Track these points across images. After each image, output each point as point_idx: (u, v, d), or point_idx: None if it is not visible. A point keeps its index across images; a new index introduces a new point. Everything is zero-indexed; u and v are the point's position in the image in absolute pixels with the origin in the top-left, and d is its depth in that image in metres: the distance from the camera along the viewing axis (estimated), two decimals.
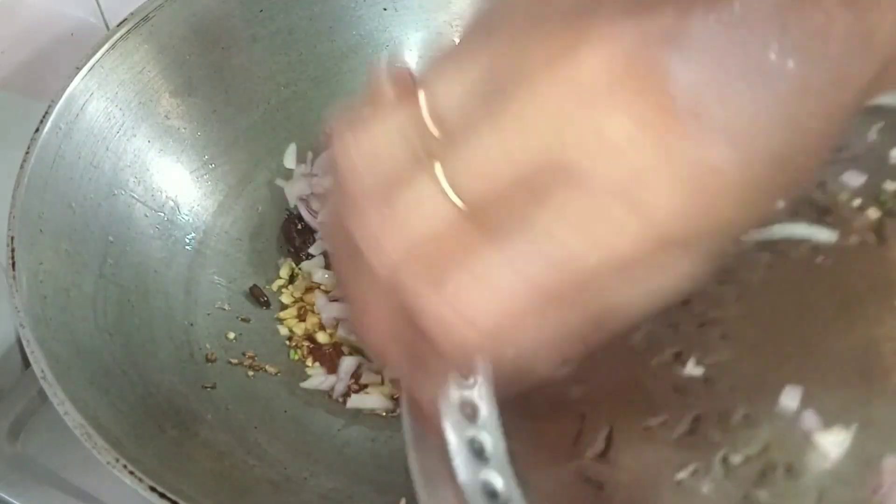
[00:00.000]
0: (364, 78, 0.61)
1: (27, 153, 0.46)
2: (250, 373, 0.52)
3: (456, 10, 0.60)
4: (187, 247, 0.54)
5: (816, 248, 0.33)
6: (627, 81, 0.20)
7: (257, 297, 0.55)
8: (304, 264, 0.56)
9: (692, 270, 0.22)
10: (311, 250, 0.57)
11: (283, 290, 0.56)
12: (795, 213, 0.33)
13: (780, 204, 0.33)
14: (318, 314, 0.54)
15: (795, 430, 0.29)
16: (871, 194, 0.33)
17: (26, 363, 0.55)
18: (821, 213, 0.33)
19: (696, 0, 0.20)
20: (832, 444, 0.28)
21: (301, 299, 0.55)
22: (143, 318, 0.50)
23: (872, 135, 0.34)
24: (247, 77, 0.57)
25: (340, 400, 0.51)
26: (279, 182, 0.59)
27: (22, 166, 0.46)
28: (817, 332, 0.31)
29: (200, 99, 0.56)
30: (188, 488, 0.39)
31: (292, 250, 0.57)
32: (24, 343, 0.41)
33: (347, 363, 0.52)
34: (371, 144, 0.22)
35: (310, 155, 0.60)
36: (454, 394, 0.29)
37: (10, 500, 0.49)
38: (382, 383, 0.52)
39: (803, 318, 0.31)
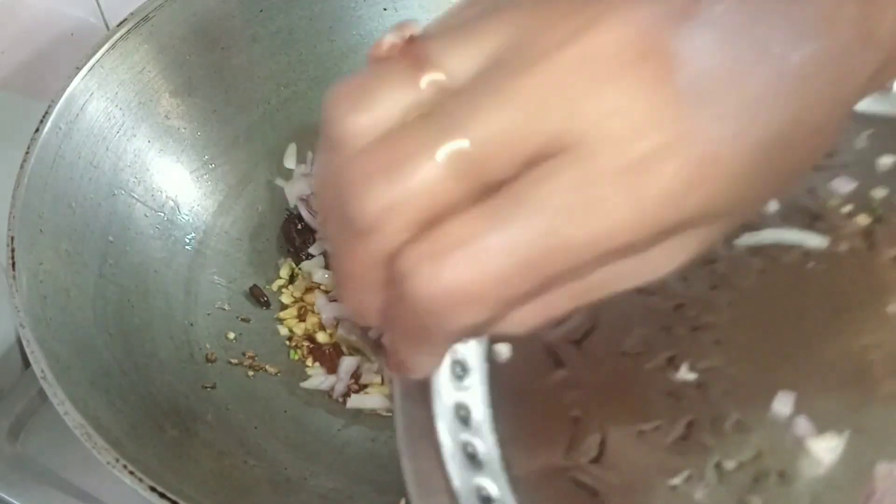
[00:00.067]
0: None
1: (27, 153, 0.46)
2: (250, 373, 0.52)
3: None
4: (187, 247, 0.54)
5: (808, 254, 0.33)
6: (638, 61, 0.19)
7: (257, 297, 0.55)
8: (304, 264, 0.56)
9: (683, 257, 0.22)
10: (311, 250, 0.57)
11: (283, 290, 0.56)
12: (786, 218, 0.33)
13: (773, 204, 0.33)
14: (318, 314, 0.54)
15: (788, 436, 0.29)
16: (862, 201, 0.33)
17: (26, 363, 0.55)
18: (811, 218, 0.33)
19: None
20: (825, 450, 0.28)
21: (301, 299, 0.55)
22: (143, 318, 0.50)
23: (862, 141, 0.34)
24: (247, 77, 0.57)
25: (340, 400, 0.52)
26: (279, 182, 0.59)
27: (22, 166, 0.46)
28: (809, 338, 0.31)
29: (200, 99, 0.56)
30: (188, 488, 0.39)
31: (292, 250, 0.57)
32: (24, 343, 0.41)
33: (347, 363, 0.52)
34: (371, 106, 0.22)
35: (310, 155, 0.60)
36: (448, 396, 0.29)
37: (10, 500, 0.49)
38: (382, 383, 0.52)
39: (795, 324, 0.31)
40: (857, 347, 0.30)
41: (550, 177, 0.20)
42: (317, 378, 0.52)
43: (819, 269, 0.32)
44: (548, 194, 0.19)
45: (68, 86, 0.49)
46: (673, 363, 0.30)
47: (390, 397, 0.51)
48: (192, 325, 0.52)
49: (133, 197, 0.52)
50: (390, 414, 0.51)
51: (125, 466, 0.38)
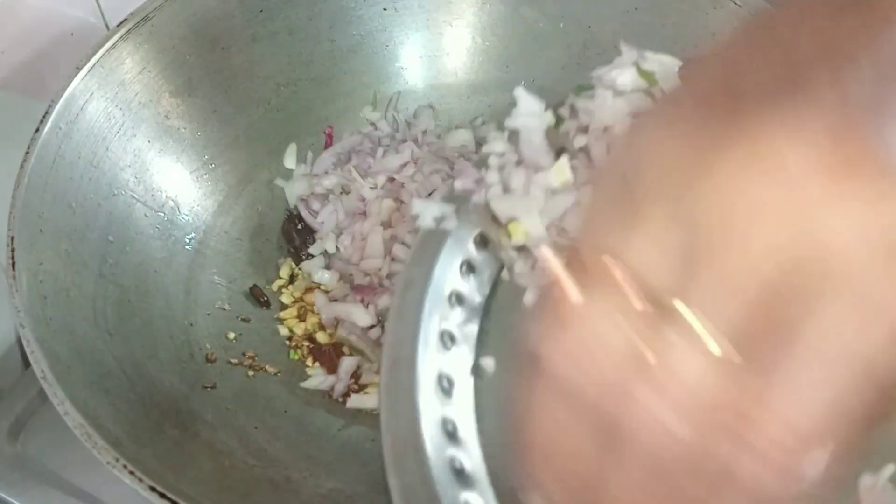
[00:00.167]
0: (364, 78, 0.61)
1: (27, 153, 0.46)
2: (250, 373, 0.52)
3: (456, 10, 0.60)
4: (187, 247, 0.54)
5: None
6: (843, 163, 0.19)
7: (257, 297, 0.55)
8: (304, 264, 0.56)
9: None
10: (311, 250, 0.57)
11: (283, 290, 0.56)
12: None
13: None
14: (318, 314, 0.54)
15: None
16: None
17: (26, 363, 0.55)
18: None
19: (852, 55, 0.19)
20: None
21: (301, 299, 0.55)
22: (143, 318, 0.50)
23: None
24: (247, 77, 0.57)
25: (340, 400, 0.52)
26: (279, 182, 0.59)
27: (22, 166, 0.46)
28: None
29: (200, 99, 0.56)
30: (188, 488, 0.39)
31: (292, 250, 0.57)
32: (24, 343, 0.41)
33: (347, 363, 0.52)
34: (590, 332, 0.21)
35: (310, 155, 0.60)
36: (434, 411, 0.29)
37: (10, 500, 0.49)
38: None
39: None
40: None
41: (824, 316, 0.19)
42: (317, 378, 0.52)
43: None
44: (833, 335, 0.19)
45: (68, 86, 0.49)
46: None
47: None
48: (192, 325, 0.52)
49: (133, 197, 0.52)
50: None
51: (125, 466, 0.38)
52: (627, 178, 0.22)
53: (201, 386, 0.50)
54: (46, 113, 0.48)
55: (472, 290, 0.32)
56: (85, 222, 0.49)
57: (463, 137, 0.60)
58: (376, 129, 0.61)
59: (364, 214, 0.57)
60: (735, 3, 0.52)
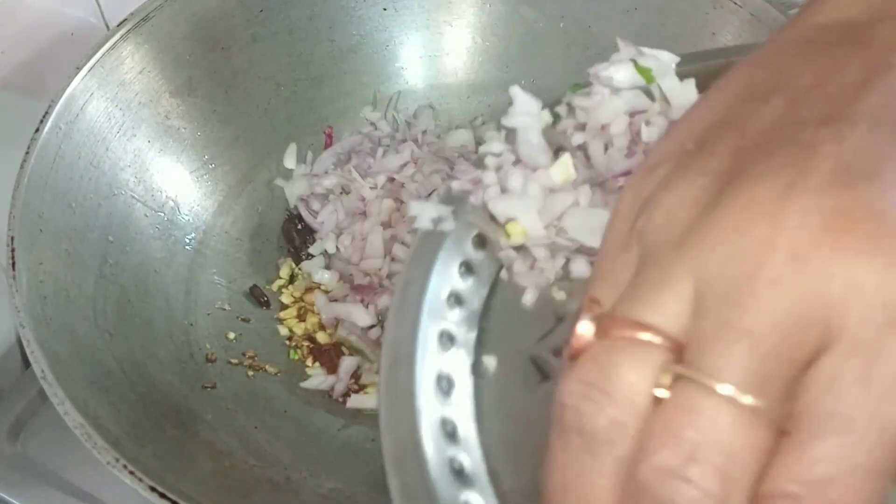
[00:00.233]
0: (364, 78, 0.61)
1: (27, 153, 0.46)
2: (250, 373, 0.52)
3: (456, 10, 0.60)
4: (187, 247, 0.54)
5: None
6: (843, 222, 0.19)
7: (257, 297, 0.55)
8: (304, 264, 0.56)
9: None
10: (311, 250, 0.57)
11: (283, 290, 0.56)
12: None
13: None
14: (318, 314, 0.54)
15: None
16: None
17: (26, 363, 0.55)
18: None
19: (851, 112, 0.20)
20: None
21: (301, 299, 0.55)
22: (143, 318, 0.50)
23: None
24: (247, 77, 0.57)
25: (340, 400, 0.52)
26: (279, 182, 0.59)
27: (22, 166, 0.46)
28: None
29: (200, 99, 0.56)
30: (188, 488, 0.39)
31: (292, 250, 0.57)
32: (24, 343, 0.41)
33: (347, 363, 0.52)
34: (616, 399, 0.20)
35: (310, 155, 0.60)
36: (433, 411, 0.28)
37: (10, 500, 0.49)
38: None
39: None
40: None
41: (832, 384, 0.19)
42: (317, 378, 0.52)
43: None
44: (845, 400, 0.19)
45: (68, 86, 0.49)
46: None
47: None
48: (192, 325, 0.52)
49: (133, 197, 0.52)
50: None
51: (125, 466, 0.38)
52: (634, 229, 0.23)
53: (201, 386, 0.50)
54: (46, 113, 0.48)
55: (471, 290, 0.32)
56: (85, 222, 0.49)
57: (463, 137, 0.60)
58: (376, 129, 0.61)
59: (364, 214, 0.57)
60: (735, 3, 0.52)
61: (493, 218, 0.33)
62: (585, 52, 0.58)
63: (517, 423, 0.30)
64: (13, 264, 0.43)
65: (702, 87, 0.32)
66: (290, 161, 0.59)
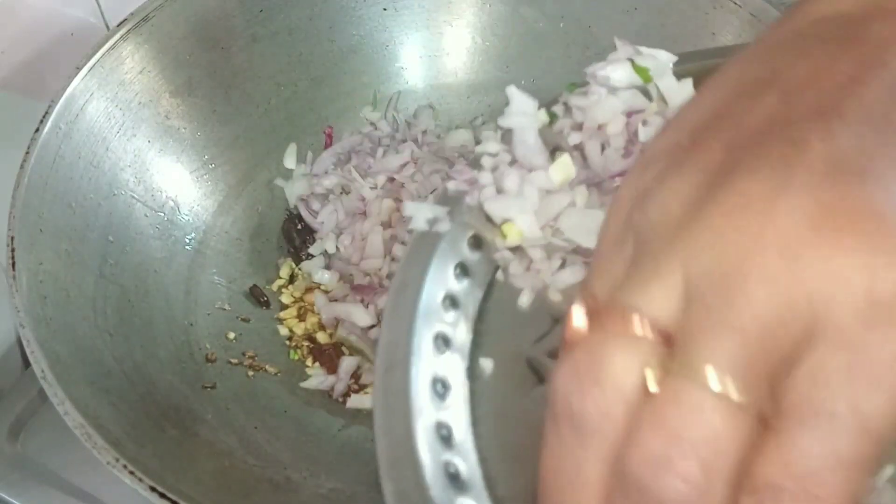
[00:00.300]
0: (364, 78, 0.61)
1: (27, 153, 0.46)
2: (250, 373, 0.52)
3: (456, 10, 0.60)
4: (187, 247, 0.54)
5: None
6: (830, 218, 0.20)
7: (257, 297, 0.55)
8: (304, 264, 0.56)
9: None
10: (311, 250, 0.57)
11: (283, 290, 0.56)
12: None
13: None
14: (318, 314, 0.54)
15: None
16: None
17: (26, 363, 0.55)
18: None
19: (844, 108, 0.21)
20: None
21: (301, 299, 0.55)
22: (143, 318, 0.50)
23: None
24: (247, 77, 0.57)
25: (340, 400, 0.52)
26: (279, 182, 0.59)
27: (22, 166, 0.46)
28: None
29: (200, 99, 0.56)
30: (188, 488, 0.39)
31: (292, 250, 0.57)
32: (24, 343, 0.41)
33: (347, 363, 0.52)
34: (606, 383, 0.21)
35: (310, 155, 0.60)
36: (428, 416, 0.28)
37: (10, 500, 0.49)
38: None
39: None
40: None
41: (818, 379, 0.19)
42: (317, 378, 0.52)
43: None
44: (829, 392, 0.19)
45: (68, 86, 0.49)
46: None
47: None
48: (192, 325, 0.52)
49: (133, 197, 0.52)
50: None
51: (125, 466, 0.38)
52: (629, 224, 0.23)
53: (201, 386, 0.50)
54: (46, 113, 0.48)
55: (467, 292, 0.32)
56: (85, 222, 0.49)
57: (463, 137, 0.60)
58: (376, 129, 0.61)
59: (364, 214, 0.57)
60: (735, 3, 0.52)
61: (489, 219, 0.33)
62: (585, 52, 0.58)
63: (513, 427, 0.29)
64: (13, 264, 0.43)
65: (699, 87, 0.32)
66: (290, 161, 0.59)
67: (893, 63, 0.22)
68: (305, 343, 0.54)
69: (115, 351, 0.46)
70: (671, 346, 0.21)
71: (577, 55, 0.58)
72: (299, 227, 0.58)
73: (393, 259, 0.54)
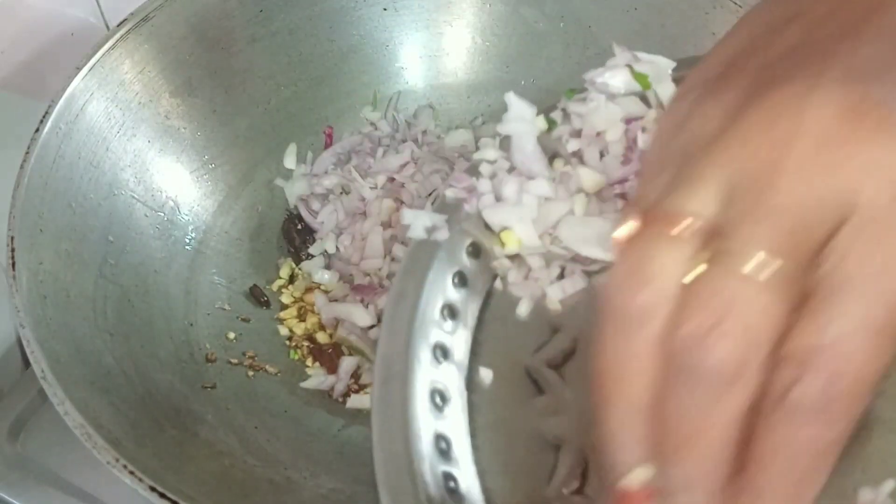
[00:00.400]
0: (364, 78, 0.61)
1: (27, 153, 0.46)
2: (250, 373, 0.52)
3: (456, 10, 0.60)
4: (187, 247, 0.54)
5: None
6: (856, 120, 0.22)
7: (257, 297, 0.55)
8: (304, 264, 0.56)
9: None
10: (311, 250, 0.57)
11: (283, 290, 0.56)
12: None
13: None
14: (318, 314, 0.54)
15: None
16: None
17: (26, 363, 0.55)
18: None
19: (862, 28, 0.23)
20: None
21: (301, 299, 0.55)
22: (143, 318, 0.50)
23: None
24: (247, 77, 0.57)
25: (340, 400, 0.51)
26: (279, 182, 0.59)
27: (22, 166, 0.46)
28: None
29: (200, 99, 0.56)
30: (188, 488, 0.39)
31: (292, 250, 0.57)
32: (24, 343, 0.41)
33: (347, 363, 0.52)
34: (655, 278, 0.23)
35: (310, 155, 0.60)
36: (427, 428, 0.28)
37: (10, 500, 0.49)
38: None
39: None
40: None
41: (848, 250, 0.21)
42: (317, 378, 0.52)
43: None
44: (857, 266, 0.21)
45: (68, 86, 0.49)
46: None
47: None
48: (192, 325, 0.52)
49: (133, 197, 0.52)
50: None
51: (125, 466, 0.38)
52: (670, 149, 0.25)
53: (201, 386, 0.50)
54: (46, 113, 0.48)
55: (465, 301, 0.32)
56: (85, 222, 0.49)
57: (463, 137, 0.60)
58: (376, 129, 0.61)
59: (364, 214, 0.57)
60: (735, 3, 0.52)
61: (487, 226, 0.32)
62: (585, 52, 0.58)
63: (512, 439, 0.29)
64: (13, 264, 0.43)
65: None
66: (290, 161, 0.59)
67: None
68: (305, 343, 0.54)
69: (115, 351, 0.46)
70: (714, 241, 0.22)
71: (577, 55, 0.58)
72: (299, 227, 0.58)
73: (393, 259, 0.54)
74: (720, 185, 0.23)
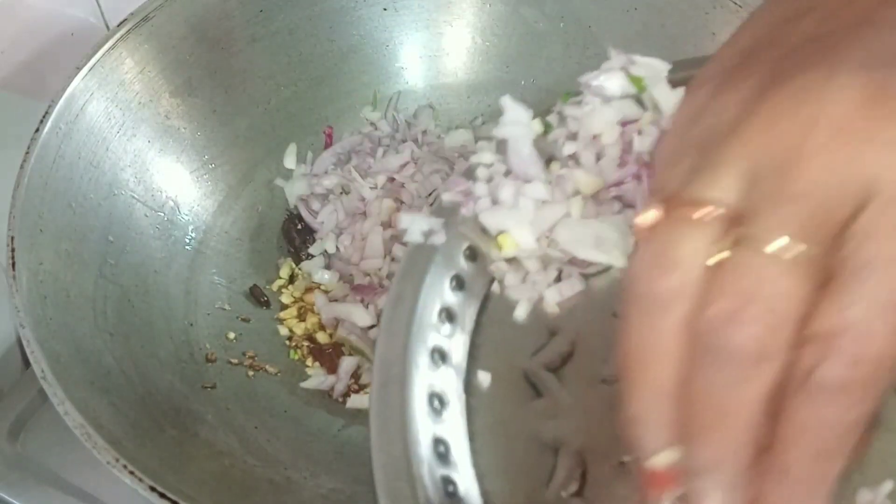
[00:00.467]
0: (364, 78, 0.61)
1: (27, 153, 0.46)
2: (250, 373, 0.52)
3: (456, 10, 0.60)
4: (187, 247, 0.54)
5: None
6: (876, 105, 0.22)
7: (257, 297, 0.55)
8: (304, 264, 0.56)
9: None
10: (311, 250, 0.57)
11: (283, 290, 0.56)
12: None
13: None
14: (318, 314, 0.54)
15: None
16: None
17: (26, 363, 0.55)
18: None
19: (875, 18, 0.23)
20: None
21: (301, 299, 0.55)
22: (143, 318, 0.50)
23: None
24: (247, 77, 0.57)
25: (340, 400, 0.52)
26: (279, 182, 0.59)
27: (22, 166, 0.46)
28: None
29: (200, 99, 0.56)
30: (188, 488, 0.39)
31: (292, 250, 0.57)
32: (24, 343, 0.41)
33: (347, 363, 0.52)
34: (678, 264, 0.23)
35: (310, 155, 0.60)
36: (425, 432, 0.28)
37: (10, 500, 0.49)
38: None
39: None
40: None
41: (870, 232, 0.21)
42: (317, 378, 0.52)
43: None
44: (879, 248, 0.21)
45: (68, 86, 0.49)
46: None
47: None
48: (192, 325, 0.52)
49: (133, 197, 0.52)
50: None
51: (125, 466, 0.38)
52: (688, 140, 0.25)
53: (201, 386, 0.50)
54: (46, 113, 0.48)
55: (463, 304, 0.32)
56: (85, 222, 0.49)
57: (463, 137, 0.60)
58: (376, 129, 0.61)
59: (364, 214, 0.57)
60: (735, 3, 0.52)
61: (484, 230, 0.32)
62: (585, 52, 0.58)
63: (510, 442, 0.29)
64: (13, 264, 0.43)
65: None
66: (290, 161, 0.59)
67: None
68: (305, 343, 0.54)
69: (115, 351, 0.46)
70: (737, 226, 0.23)
71: (577, 55, 0.58)
72: (299, 227, 0.58)
73: (393, 259, 0.54)
74: (741, 172, 0.23)
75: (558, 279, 0.32)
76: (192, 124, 0.55)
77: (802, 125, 0.22)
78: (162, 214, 0.54)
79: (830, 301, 0.21)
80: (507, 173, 0.33)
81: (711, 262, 0.23)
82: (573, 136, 0.33)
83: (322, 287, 0.55)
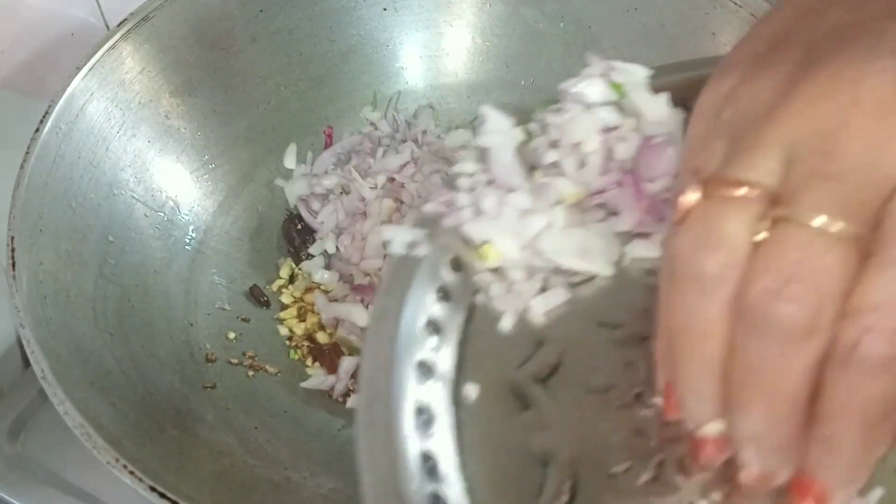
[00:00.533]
0: (364, 78, 0.61)
1: (27, 153, 0.46)
2: (250, 373, 0.52)
3: (456, 10, 0.60)
4: (187, 247, 0.54)
5: None
6: None
7: (257, 297, 0.55)
8: (304, 264, 0.56)
9: None
10: (311, 250, 0.57)
11: (283, 290, 0.56)
12: None
13: None
14: (318, 314, 0.54)
15: None
16: None
17: (26, 363, 0.55)
18: None
19: None
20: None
21: (301, 299, 0.55)
22: (143, 318, 0.50)
23: None
24: (247, 77, 0.57)
25: (340, 400, 0.52)
26: (279, 182, 0.59)
27: (22, 166, 0.46)
28: None
29: (200, 99, 0.56)
30: (188, 488, 0.39)
31: (292, 250, 0.57)
32: (24, 343, 0.41)
33: (347, 363, 0.52)
34: (724, 242, 0.24)
35: (310, 155, 0.60)
36: (413, 447, 0.28)
37: (10, 500, 0.49)
38: None
39: None
40: None
41: None
42: (317, 378, 0.52)
43: None
44: None
45: (68, 86, 0.49)
46: (641, 399, 0.29)
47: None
48: (192, 325, 0.52)
49: (133, 197, 0.52)
50: None
51: (125, 466, 0.38)
52: (718, 123, 0.26)
53: (201, 386, 0.50)
54: (46, 113, 0.48)
55: (449, 316, 0.31)
56: (85, 222, 0.49)
57: (463, 137, 0.60)
58: (376, 129, 0.61)
59: (364, 214, 0.57)
60: (735, 3, 0.52)
61: (467, 241, 0.32)
62: (585, 52, 0.57)
63: (499, 455, 0.29)
64: (13, 264, 0.43)
65: (676, 101, 0.32)
66: (290, 161, 0.59)
67: None
68: (305, 343, 0.54)
69: (115, 351, 0.46)
70: (778, 206, 0.23)
71: (577, 55, 0.58)
72: (299, 227, 0.58)
73: None
74: (780, 153, 0.23)
75: (544, 289, 0.31)
76: (192, 124, 0.55)
77: (839, 108, 0.23)
78: (162, 214, 0.54)
79: (870, 277, 0.22)
80: (490, 183, 0.33)
81: (757, 238, 0.23)
82: (555, 144, 0.33)
83: (322, 287, 0.55)
